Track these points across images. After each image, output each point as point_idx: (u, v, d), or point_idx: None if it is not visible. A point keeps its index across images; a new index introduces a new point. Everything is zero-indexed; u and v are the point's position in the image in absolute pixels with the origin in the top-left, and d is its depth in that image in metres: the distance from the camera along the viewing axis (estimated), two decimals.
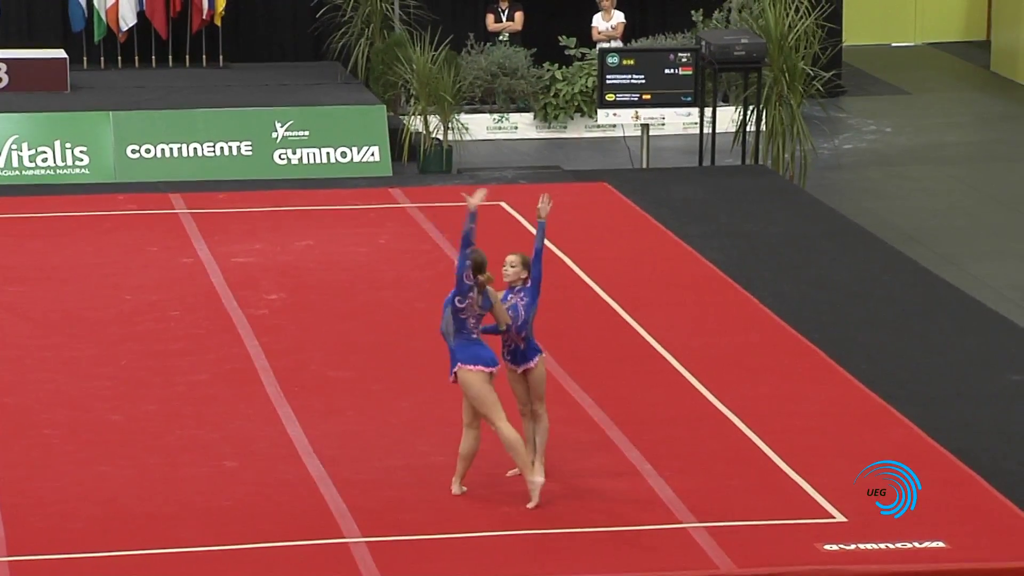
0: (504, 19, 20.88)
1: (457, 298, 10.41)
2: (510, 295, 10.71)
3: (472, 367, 10.42)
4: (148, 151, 18.32)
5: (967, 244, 16.93)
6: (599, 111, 18.52)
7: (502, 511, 10.55)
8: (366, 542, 10.22)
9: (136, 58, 20.66)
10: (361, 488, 10.84)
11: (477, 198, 10.31)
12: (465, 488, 10.70)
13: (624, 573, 9.87)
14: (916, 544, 10.17)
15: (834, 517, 10.53)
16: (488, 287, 10.47)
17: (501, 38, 20.79)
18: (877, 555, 10.08)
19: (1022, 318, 14.30)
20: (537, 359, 10.77)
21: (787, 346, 13.30)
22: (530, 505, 10.52)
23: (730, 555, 10.05)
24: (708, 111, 18.44)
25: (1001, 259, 16.49)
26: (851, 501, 10.66)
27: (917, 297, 14.45)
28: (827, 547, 10.14)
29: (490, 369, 10.45)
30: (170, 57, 20.70)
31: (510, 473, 10.80)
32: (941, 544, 10.18)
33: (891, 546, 10.15)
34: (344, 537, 10.28)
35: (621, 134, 19.38)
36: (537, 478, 10.50)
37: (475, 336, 10.46)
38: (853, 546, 10.16)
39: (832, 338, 13.33)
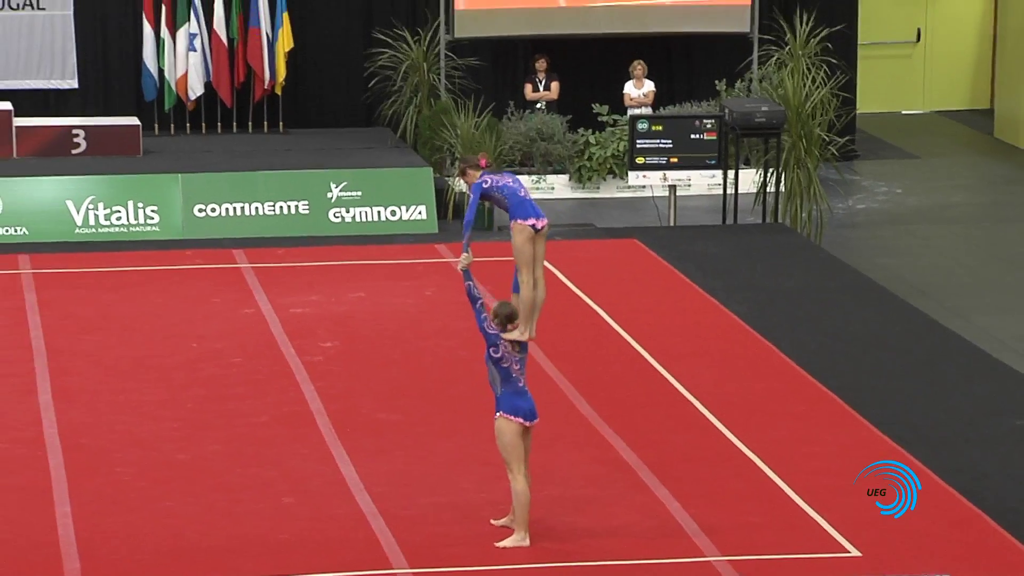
0: (541, 89, 20.93)
1: (491, 349, 10.38)
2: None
3: (511, 418, 10.40)
4: (214, 210, 18.38)
5: (973, 298, 16.85)
6: (630, 173, 18.52)
7: (540, 545, 10.51)
8: (413, 573, 10.19)
9: (203, 125, 20.76)
10: (408, 523, 10.82)
11: (463, 262, 10.48)
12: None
13: None
14: None
15: (849, 551, 10.46)
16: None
17: (539, 106, 20.83)
18: None
19: None
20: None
21: (805, 392, 13.24)
22: (500, 544, 10.40)
23: None
24: (731, 173, 18.42)
25: (1005, 312, 16.41)
26: (865, 536, 10.59)
27: (926, 347, 14.38)
28: None
29: (527, 423, 10.41)
30: (234, 124, 20.80)
31: (498, 522, 10.67)
32: None
33: None
34: (392, 568, 10.25)
35: (650, 194, 19.38)
36: (524, 541, 10.41)
37: (521, 385, 10.41)
38: None
39: (847, 385, 13.27)
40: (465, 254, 10.52)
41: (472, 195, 10.83)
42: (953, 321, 15.53)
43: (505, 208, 10.93)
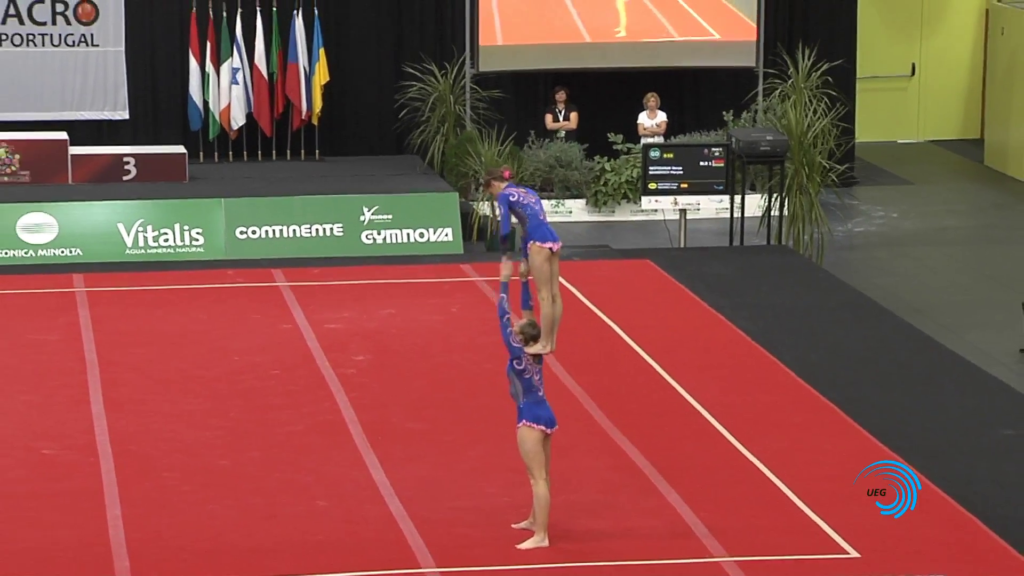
0: (561, 119, 20.93)
1: (514, 361, 10.36)
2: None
3: (534, 425, 10.38)
4: (254, 232, 18.40)
5: (965, 316, 16.79)
6: (643, 198, 18.50)
7: (559, 546, 10.48)
8: (440, 572, 10.16)
9: (245, 153, 20.80)
10: (436, 526, 10.79)
11: (507, 271, 10.45)
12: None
13: None
14: None
15: (848, 553, 10.41)
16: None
17: (558, 135, 20.83)
18: None
19: (1013, 380, 14.15)
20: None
21: (807, 403, 13.19)
22: (521, 546, 10.37)
23: None
24: (738, 198, 18.40)
25: (995, 329, 16.34)
26: (864, 539, 10.54)
27: (921, 362, 14.33)
28: None
29: (548, 430, 10.39)
30: (274, 152, 20.83)
31: (519, 525, 10.63)
32: None
33: None
34: (420, 568, 10.23)
35: (662, 218, 19.36)
36: (544, 543, 10.37)
37: (541, 394, 10.41)
38: None
39: (847, 397, 13.22)
40: (506, 261, 10.54)
41: (501, 208, 10.83)
42: (946, 337, 15.47)
43: (525, 225, 10.95)
